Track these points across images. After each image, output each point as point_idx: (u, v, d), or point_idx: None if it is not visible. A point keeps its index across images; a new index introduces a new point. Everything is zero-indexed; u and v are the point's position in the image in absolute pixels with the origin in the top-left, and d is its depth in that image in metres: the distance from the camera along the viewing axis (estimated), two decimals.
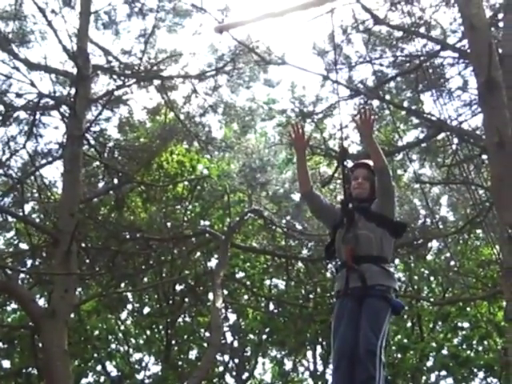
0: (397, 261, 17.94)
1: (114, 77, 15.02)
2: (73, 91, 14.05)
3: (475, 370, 17.97)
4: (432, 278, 18.13)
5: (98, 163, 15.70)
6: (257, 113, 16.53)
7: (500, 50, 9.84)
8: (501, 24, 11.08)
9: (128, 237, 15.99)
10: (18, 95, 14.31)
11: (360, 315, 5.18)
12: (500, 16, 11.22)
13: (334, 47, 12.33)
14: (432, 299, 18.11)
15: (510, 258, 8.58)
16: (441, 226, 15.53)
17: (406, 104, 13.49)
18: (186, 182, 17.01)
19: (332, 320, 5.40)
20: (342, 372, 5.08)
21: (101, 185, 15.94)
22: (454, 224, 15.61)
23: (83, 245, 14.66)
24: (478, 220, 12.48)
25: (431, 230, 15.24)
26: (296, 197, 17.84)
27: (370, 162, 5.57)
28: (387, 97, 13.53)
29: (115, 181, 15.53)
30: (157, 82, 15.34)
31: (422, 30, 12.54)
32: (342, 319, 5.26)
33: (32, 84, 14.02)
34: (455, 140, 12.50)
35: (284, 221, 17.39)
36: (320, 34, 13.42)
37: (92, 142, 15.09)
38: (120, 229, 15.64)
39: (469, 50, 10.31)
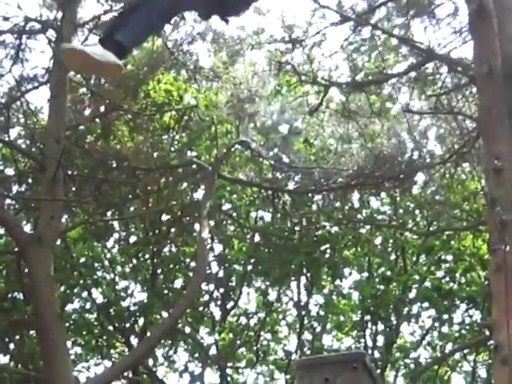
0: (383, 194, 18.03)
1: (102, 1, 14.80)
2: (59, 15, 13.87)
3: (458, 302, 18.20)
4: (417, 211, 18.21)
5: (84, 90, 15.57)
6: (246, 42, 16.33)
7: None
8: None
9: (114, 165, 15.95)
10: (5, 18, 14.10)
11: None
12: None
13: None
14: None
15: (495, 189, 8.58)
16: (428, 160, 15.55)
17: (396, 32, 13.35)
18: (173, 112, 16.89)
19: None
20: None
21: (87, 112, 15.85)
22: (441, 158, 15.61)
23: (69, 172, 14.62)
24: (465, 150, 12.49)
25: (418, 163, 15.26)
26: (284, 129, 17.83)
27: None
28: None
29: (102, 108, 15.43)
30: None
31: None
32: None
33: (18, 7, 13.83)
34: (444, 69, 12.45)
35: (271, 153, 17.35)
36: None
37: None
38: (106, 157, 15.58)
39: None
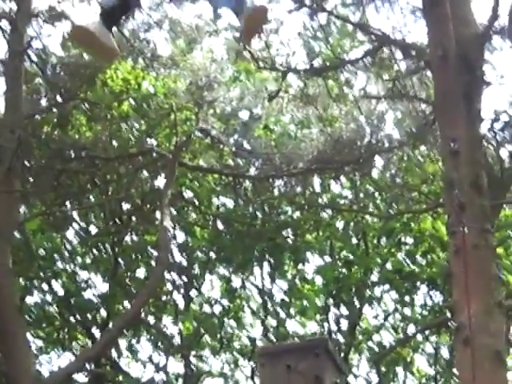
0: (343, 178, 18.09)
1: None
2: (13, 6, 13.72)
3: (418, 284, 18.38)
4: (377, 195, 18.30)
5: (40, 80, 15.40)
6: (203, 29, 16.26)
7: None
8: None
9: (72, 155, 15.80)
10: None
11: None
12: None
13: None
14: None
15: (452, 172, 8.66)
16: (386, 144, 15.64)
17: (351, 17, 13.35)
18: (131, 101, 16.78)
19: None
20: None
21: (43, 102, 15.67)
22: (399, 141, 15.70)
23: (26, 163, 14.45)
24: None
25: (376, 147, 15.34)
26: (244, 115, 17.79)
27: None
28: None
29: (58, 98, 15.28)
30: None
31: None
32: None
33: None
34: (399, 54, 12.49)
35: (232, 139, 17.32)
36: None
37: (34, 58, 14.79)
38: (64, 147, 15.43)
39: None
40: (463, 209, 8.29)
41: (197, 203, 18.41)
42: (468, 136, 8.65)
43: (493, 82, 11.94)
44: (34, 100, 15.42)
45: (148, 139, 17.49)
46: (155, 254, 17.28)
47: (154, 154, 16.15)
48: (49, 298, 18.11)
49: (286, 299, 19.59)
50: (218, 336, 19.44)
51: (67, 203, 16.62)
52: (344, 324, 19.51)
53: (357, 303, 19.14)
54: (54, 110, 15.50)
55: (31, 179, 15.03)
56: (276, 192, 17.85)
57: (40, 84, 15.56)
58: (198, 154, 17.51)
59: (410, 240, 18.53)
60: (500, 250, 15.43)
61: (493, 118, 11.63)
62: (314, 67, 14.30)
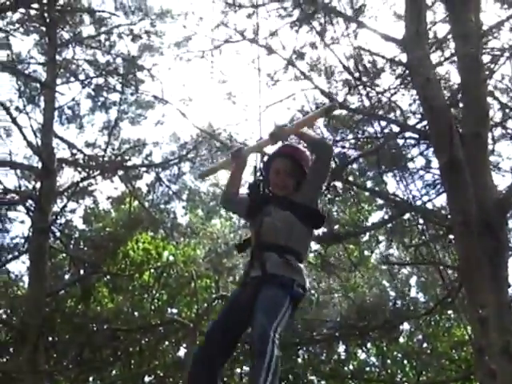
0: (369, 344, 17.75)
1: (79, 169, 15.07)
2: (38, 185, 14.09)
3: None
4: (405, 362, 17.86)
5: (63, 255, 15.62)
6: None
7: (460, 130, 9.93)
8: (460, 104, 11.16)
9: (95, 329, 15.76)
10: None
11: (253, 305, 4.61)
12: (459, 96, 11.29)
13: None
14: (406, 383, 17.78)
15: (481, 338, 8.47)
16: (411, 308, 15.44)
17: (369, 184, 13.48)
18: (152, 270, 16.91)
19: None
20: (207, 353, 4.56)
21: (67, 276, 15.83)
22: (424, 305, 15.51)
23: (50, 338, 14.43)
24: (449, 300, 12.38)
25: (402, 312, 15.14)
26: None
27: (296, 151, 5.14)
28: (350, 178, 13.44)
29: (81, 272, 15.43)
30: (121, 171, 15.39)
31: (382, 112, 12.53)
32: (230, 308, 4.82)
33: None
34: (421, 220, 12.47)
35: None
36: (281, 118, 13.40)
37: (58, 234, 15.07)
38: (87, 321, 15.43)
39: (429, 131, 10.37)
40: (494, 377, 8.07)
41: None
42: (496, 302, 8.48)
43: None
44: (58, 275, 15.60)
45: (169, 308, 17.48)
46: None
47: (175, 324, 16.05)
48: None
49: None
50: None
51: (90, 378, 16.40)
52: None
53: None
54: (77, 284, 15.59)
55: (55, 355, 14.93)
56: (300, 360, 17.52)
57: (64, 259, 15.77)
58: None
59: None
60: None
61: None
62: (335, 233, 14.22)
